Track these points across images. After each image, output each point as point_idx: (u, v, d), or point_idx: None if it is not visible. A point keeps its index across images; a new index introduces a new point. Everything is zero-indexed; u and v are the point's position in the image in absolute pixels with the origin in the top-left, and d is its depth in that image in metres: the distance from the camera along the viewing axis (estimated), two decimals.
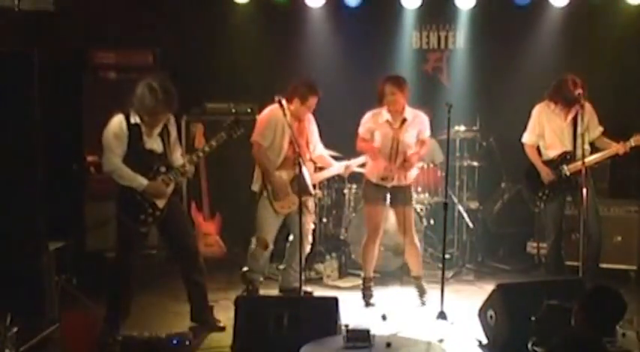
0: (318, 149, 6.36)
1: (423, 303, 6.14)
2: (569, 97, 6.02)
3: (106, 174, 5.30)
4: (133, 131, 5.18)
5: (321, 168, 6.46)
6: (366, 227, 6.22)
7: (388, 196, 6.03)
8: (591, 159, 5.99)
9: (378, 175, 6.01)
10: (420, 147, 6.05)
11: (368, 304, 6.19)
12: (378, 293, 6.47)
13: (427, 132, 6.06)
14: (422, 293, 6.19)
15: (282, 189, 6.01)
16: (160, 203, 5.30)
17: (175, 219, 5.43)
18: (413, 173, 6.14)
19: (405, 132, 5.96)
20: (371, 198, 6.10)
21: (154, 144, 5.29)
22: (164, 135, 5.33)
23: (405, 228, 6.05)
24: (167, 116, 5.31)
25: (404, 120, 5.97)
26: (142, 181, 5.19)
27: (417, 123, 6.01)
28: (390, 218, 6.32)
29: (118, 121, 5.18)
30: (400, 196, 6.02)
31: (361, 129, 6.08)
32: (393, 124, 5.97)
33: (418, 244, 6.23)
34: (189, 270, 5.52)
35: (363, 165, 6.36)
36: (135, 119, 5.19)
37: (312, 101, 6.05)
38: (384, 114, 5.99)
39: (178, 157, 5.46)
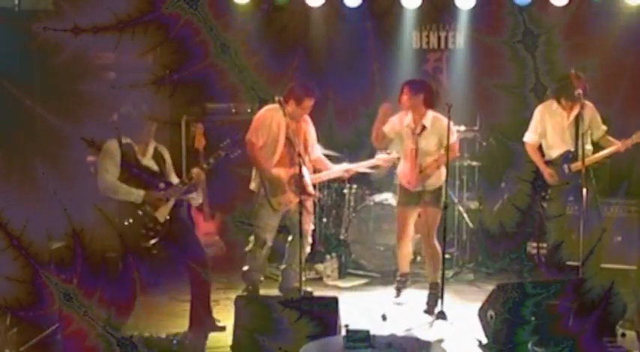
0: (315, 151, 6.36)
1: (428, 311, 5.98)
2: (571, 92, 6.01)
3: (101, 194, 5.26)
4: (126, 149, 5.22)
5: (319, 170, 6.45)
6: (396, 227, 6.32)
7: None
8: (592, 158, 5.98)
9: (405, 180, 6.09)
10: (445, 152, 5.85)
11: (398, 297, 6.26)
12: (378, 293, 6.47)
13: (452, 138, 5.83)
14: (433, 302, 5.97)
15: (279, 185, 6.02)
16: (161, 217, 5.30)
17: (180, 232, 5.42)
18: (442, 174, 6.02)
19: (423, 140, 5.98)
20: (401, 201, 6.21)
21: (149, 163, 5.33)
22: (158, 160, 5.37)
23: (427, 230, 6.09)
24: (154, 127, 5.31)
25: (423, 128, 5.98)
26: (138, 192, 5.20)
27: (437, 130, 5.95)
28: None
29: (109, 144, 5.22)
30: (428, 198, 6.06)
31: (386, 128, 6.09)
32: (413, 130, 6.00)
33: (438, 247, 6.08)
34: (195, 279, 5.49)
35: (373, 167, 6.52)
36: (126, 139, 5.24)
37: (308, 103, 6.06)
38: (409, 116, 6.02)
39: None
